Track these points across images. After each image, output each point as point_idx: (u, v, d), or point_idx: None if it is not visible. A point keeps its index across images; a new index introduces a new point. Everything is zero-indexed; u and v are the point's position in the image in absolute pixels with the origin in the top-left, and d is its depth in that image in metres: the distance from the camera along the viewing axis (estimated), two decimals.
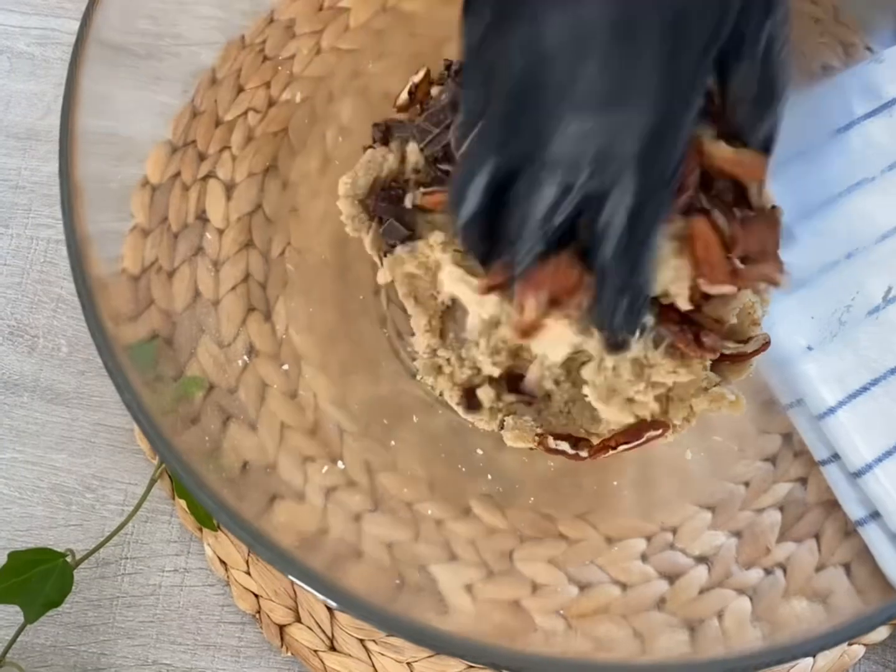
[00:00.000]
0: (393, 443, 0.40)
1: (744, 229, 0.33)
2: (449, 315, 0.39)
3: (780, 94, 0.32)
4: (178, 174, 0.44)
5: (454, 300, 0.38)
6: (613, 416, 0.37)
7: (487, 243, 0.31)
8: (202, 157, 0.44)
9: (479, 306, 0.36)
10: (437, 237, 0.36)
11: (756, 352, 0.36)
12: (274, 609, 0.42)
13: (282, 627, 0.42)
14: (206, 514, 0.42)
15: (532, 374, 0.39)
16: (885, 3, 0.46)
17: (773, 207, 0.35)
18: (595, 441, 0.38)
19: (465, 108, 0.31)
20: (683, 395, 0.37)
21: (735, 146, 0.33)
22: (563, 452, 0.38)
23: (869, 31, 0.46)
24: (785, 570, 0.40)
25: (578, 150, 0.28)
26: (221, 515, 0.31)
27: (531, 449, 0.39)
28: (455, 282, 0.36)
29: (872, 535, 0.39)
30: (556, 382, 0.38)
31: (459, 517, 0.40)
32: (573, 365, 0.38)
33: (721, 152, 0.33)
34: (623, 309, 0.31)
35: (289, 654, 0.42)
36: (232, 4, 0.47)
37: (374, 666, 0.42)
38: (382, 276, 0.39)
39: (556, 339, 0.35)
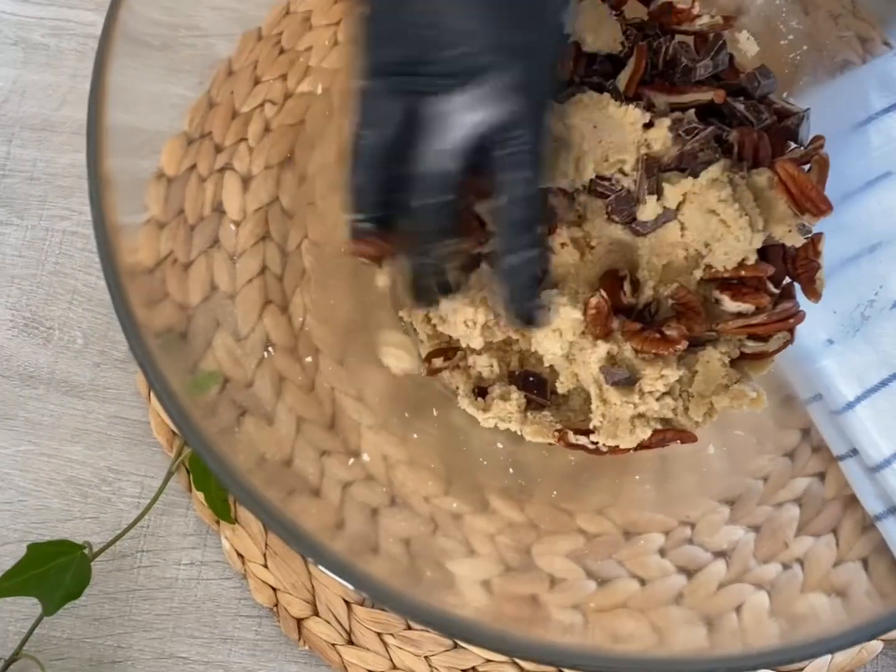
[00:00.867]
0: (415, 435, 0.40)
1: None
2: None
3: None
4: (193, 166, 0.43)
5: None
6: (631, 443, 0.37)
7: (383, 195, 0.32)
8: (218, 148, 0.44)
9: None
10: None
11: (777, 350, 0.37)
12: (291, 602, 0.42)
13: (299, 621, 0.42)
14: (224, 507, 0.42)
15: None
16: None
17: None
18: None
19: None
20: (704, 392, 0.37)
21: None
22: (583, 447, 0.38)
23: (887, 26, 0.46)
24: (803, 565, 0.39)
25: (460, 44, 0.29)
26: (252, 504, 0.31)
27: (551, 444, 0.39)
28: None
29: (891, 530, 0.39)
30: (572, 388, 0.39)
31: (478, 511, 0.40)
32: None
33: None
34: (525, 260, 0.32)
35: (306, 647, 0.42)
36: None
37: (391, 660, 0.42)
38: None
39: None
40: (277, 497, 0.33)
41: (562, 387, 0.38)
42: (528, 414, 0.39)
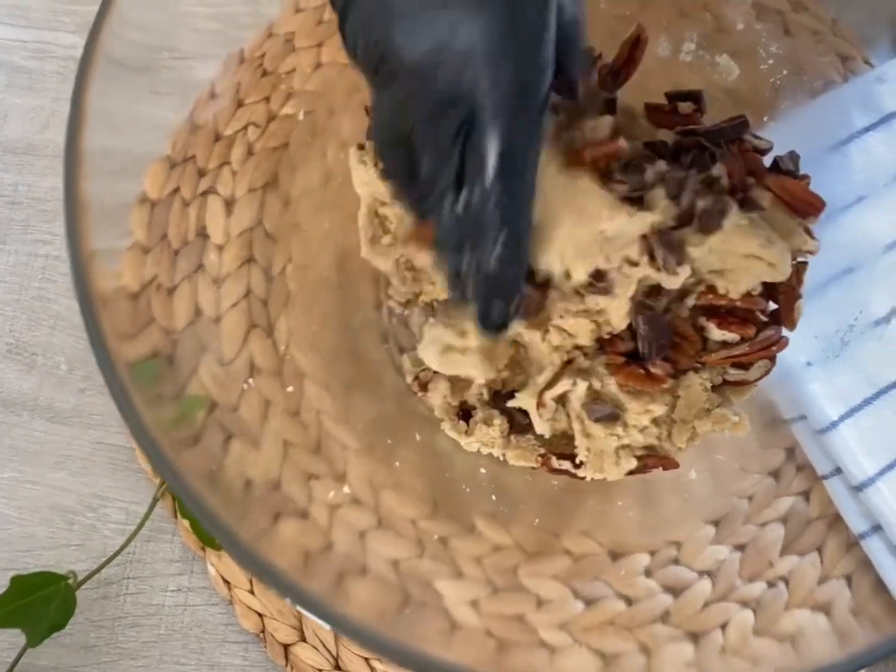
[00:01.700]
0: (397, 463, 0.40)
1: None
2: None
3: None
4: (177, 190, 0.43)
5: None
6: (618, 474, 0.37)
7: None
8: (202, 172, 0.44)
9: None
10: None
11: (758, 378, 0.37)
12: (278, 628, 0.42)
13: (286, 647, 0.42)
14: (209, 534, 0.42)
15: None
16: (883, 16, 0.47)
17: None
18: None
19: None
20: (686, 418, 0.37)
21: None
22: (566, 472, 0.39)
23: (868, 45, 0.46)
24: (787, 583, 0.40)
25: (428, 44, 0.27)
26: (221, 538, 0.31)
27: (534, 468, 0.39)
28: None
29: (874, 548, 0.39)
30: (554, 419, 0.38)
31: (464, 534, 0.40)
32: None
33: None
34: (498, 256, 0.29)
35: None
36: (231, 18, 0.46)
37: None
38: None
39: None
40: (252, 529, 0.33)
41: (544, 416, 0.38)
42: (512, 438, 0.39)
